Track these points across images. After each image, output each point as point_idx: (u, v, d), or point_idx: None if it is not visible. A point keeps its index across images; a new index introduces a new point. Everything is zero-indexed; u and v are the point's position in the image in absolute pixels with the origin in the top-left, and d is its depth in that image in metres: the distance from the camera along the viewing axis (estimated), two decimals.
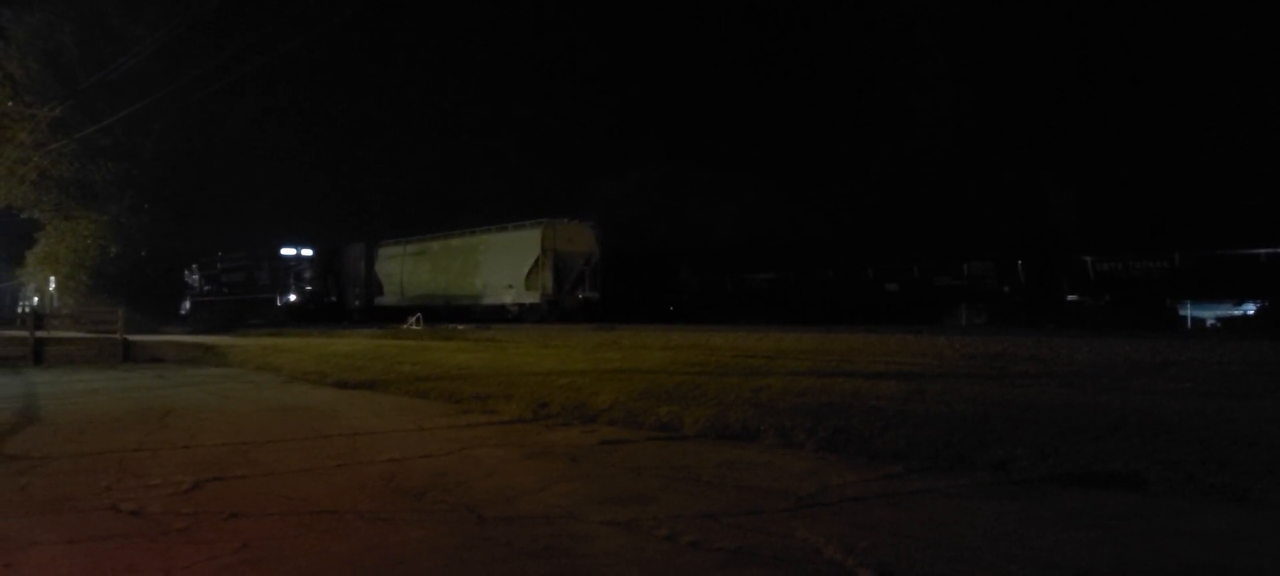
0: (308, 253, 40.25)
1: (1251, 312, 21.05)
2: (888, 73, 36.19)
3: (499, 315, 28.78)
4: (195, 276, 44.11)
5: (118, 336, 21.12)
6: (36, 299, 44.33)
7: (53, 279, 36.84)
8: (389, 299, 35.92)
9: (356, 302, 37.65)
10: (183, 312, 42.61)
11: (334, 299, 39.07)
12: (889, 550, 3.72)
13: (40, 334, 20.73)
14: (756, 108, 39.71)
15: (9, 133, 31.67)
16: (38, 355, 19.88)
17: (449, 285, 32.19)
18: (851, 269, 26.68)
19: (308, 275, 39.62)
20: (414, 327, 26.01)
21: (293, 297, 39.33)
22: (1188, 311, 22.02)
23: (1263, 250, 19.38)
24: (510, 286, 29.10)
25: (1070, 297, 22.38)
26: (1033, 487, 4.92)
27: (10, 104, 31.41)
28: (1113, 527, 4.06)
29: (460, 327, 24.47)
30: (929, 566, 3.52)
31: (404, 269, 35.25)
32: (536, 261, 28.14)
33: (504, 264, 29.43)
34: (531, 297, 28.38)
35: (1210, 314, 22.17)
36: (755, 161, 37.51)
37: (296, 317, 36.78)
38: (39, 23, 32.68)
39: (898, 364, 10.90)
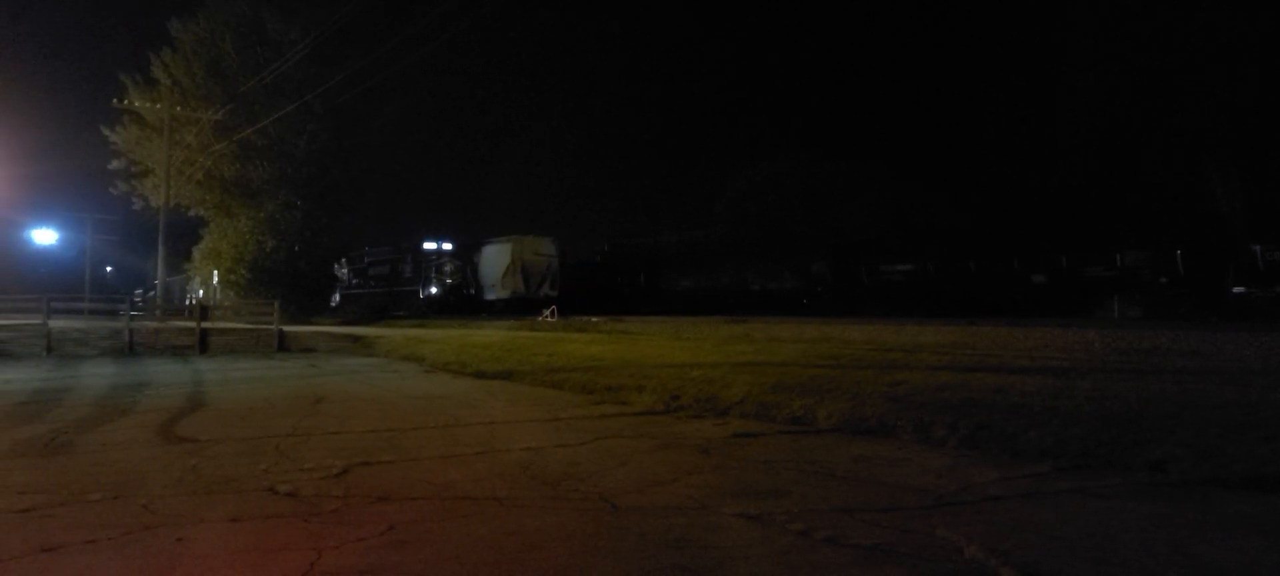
0: (448, 247, 41.58)
1: None
2: (1036, 54, 34.66)
3: (490, 307, 36.85)
4: (344, 270, 46.10)
5: (273, 327, 22.34)
6: (201, 292, 47.16)
7: (216, 273, 39.15)
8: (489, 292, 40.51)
9: (490, 295, 38.91)
10: (332, 304, 44.57)
11: (473, 292, 40.27)
12: (1034, 551, 3.58)
13: (205, 325, 22.12)
14: (896, 93, 38.72)
15: (178, 136, 33.89)
16: (203, 344, 21.24)
17: (478, 283, 40.14)
18: (995, 259, 25.66)
19: (448, 269, 40.94)
20: (549, 320, 26.54)
21: (434, 290, 40.70)
22: None
23: None
24: (493, 285, 38.33)
25: (1236, 289, 20.90)
26: (1193, 490, 4.63)
27: (179, 109, 33.61)
28: None
29: (594, 320, 24.85)
30: (1076, 569, 3.36)
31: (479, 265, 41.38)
32: (508, 266, 37.54)
33: (492, 267, 38.59)
34: (505, 294, 37.37)
35: None
36: (893, 150, 36.68)
37: (438, 309, 38.22)
38: (203, 32, 34.94)
39: (1044, 358, 10.43)
